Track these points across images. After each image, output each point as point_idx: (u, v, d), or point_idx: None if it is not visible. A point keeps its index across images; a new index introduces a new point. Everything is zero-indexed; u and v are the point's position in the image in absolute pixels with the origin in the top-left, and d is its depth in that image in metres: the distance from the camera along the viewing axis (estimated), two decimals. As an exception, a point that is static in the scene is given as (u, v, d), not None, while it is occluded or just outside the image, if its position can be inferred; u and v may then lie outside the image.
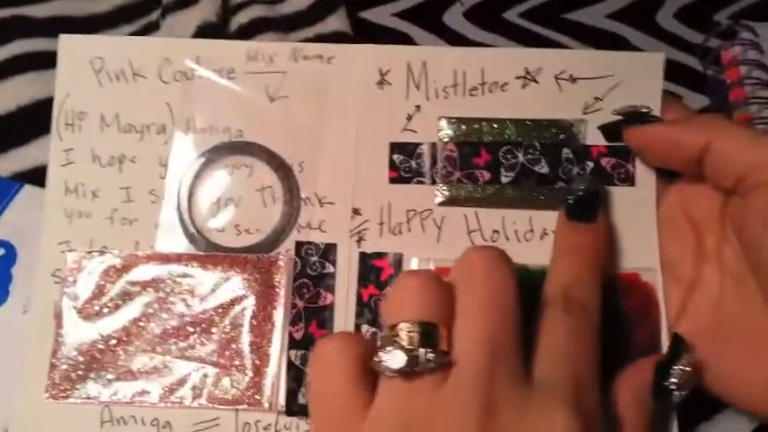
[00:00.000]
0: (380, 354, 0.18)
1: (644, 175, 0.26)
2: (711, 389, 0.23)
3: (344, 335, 0.20)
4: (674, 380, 0.21)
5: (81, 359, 0.25)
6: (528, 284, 0.25)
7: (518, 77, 0.26)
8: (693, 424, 0.25)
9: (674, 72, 0.26)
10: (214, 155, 0.26)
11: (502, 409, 0.17)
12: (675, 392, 0.21)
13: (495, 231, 0.26)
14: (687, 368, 0.21)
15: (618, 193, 0.26)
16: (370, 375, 0.19)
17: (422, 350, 0.18)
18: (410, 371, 0.18)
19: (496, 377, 0.18)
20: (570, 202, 0.24)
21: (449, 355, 0.18)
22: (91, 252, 0.26)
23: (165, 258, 0.26)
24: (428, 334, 0.18)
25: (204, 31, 0.31)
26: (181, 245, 0.26)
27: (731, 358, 0.22)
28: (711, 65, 0.34)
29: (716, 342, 0.23)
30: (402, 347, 0.18)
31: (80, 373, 0.25)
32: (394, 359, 0.18)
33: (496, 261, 0.19)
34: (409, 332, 0.18)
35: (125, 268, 0.25)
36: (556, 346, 0.19)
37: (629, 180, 0.26)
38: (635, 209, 0.25)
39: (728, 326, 0.23)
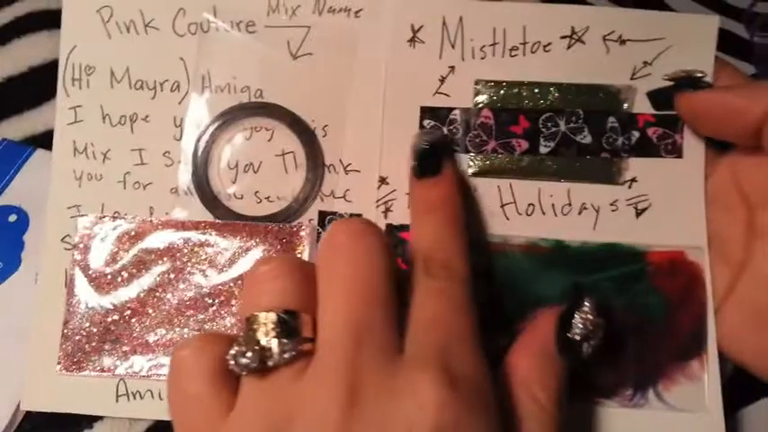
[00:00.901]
0: (230, 352, 0.17)
1: (693, 146, 0.24)
2: (759, 373, 0.22)
3: (202, 336, 0.18)
4: (577, 330, 0.20)
5: (94, 330, 0.24)
6: (563, 261, 0.24)
7: (563, 37, 0.24)
8: (739, 406, 0.25)
9: (717, 38, 0.24)
10: (232, 116, 0.25)
11: (366, 390, 0.16)
12: (584, 344, 0.20)
13: (530, 205, 0.24)
14: (590, 316, 0.20)
15: (664, 166, 0.24)
16: (235, 376, 0.17)
17: (275, 341, 0.16)
18: (262, 367, 0.16)
19: (361, 357, 0.16)
20: (414, 159, 0.22)
21: (311, 342, 0.17)
22: (103, 217, 0.24)
23: (182, 226, 0.24)
24: (284, 323, 0.17)
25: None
26: (198, 212, 0.24)
27: None
28: (758, 31, 0.32)
29: (765, 325, 0.22)
30: (253, 341, 0.16)
31: (94, 344, 0.24)
32: (243, 356, 0.16)
33: (359, 232, 0.18)
34: (264, 323, 0.17)
35: (139, 235, 0.24)
36: (422, 313, 0.18)
37: (677, 152, 0.24)
38: (682, 183, 0.24)
39: None
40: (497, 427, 0.17)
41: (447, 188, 0.21)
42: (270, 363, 0.16)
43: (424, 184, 0.22)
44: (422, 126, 0.24)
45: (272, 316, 0.17)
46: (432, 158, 0.22)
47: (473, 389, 0.17)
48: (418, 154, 0.22)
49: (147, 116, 0.25)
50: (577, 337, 0.20)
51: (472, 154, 0.24)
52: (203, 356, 0.17)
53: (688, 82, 0.24)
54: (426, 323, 0.18)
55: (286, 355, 0.16)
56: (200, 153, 0.25)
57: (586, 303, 0.20)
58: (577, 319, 0.20)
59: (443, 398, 0.16)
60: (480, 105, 0.24)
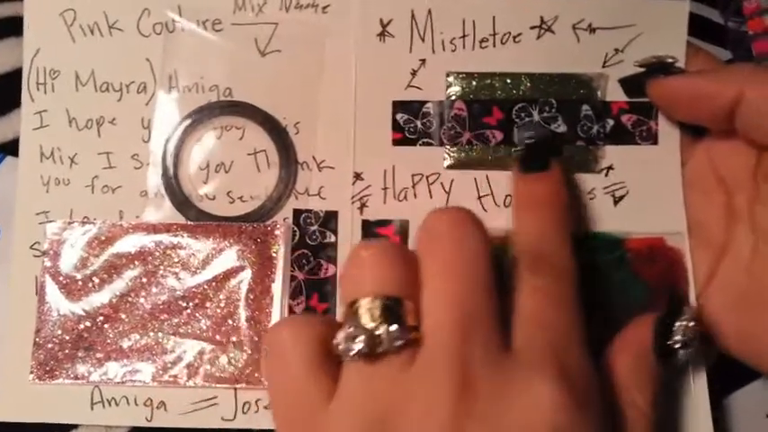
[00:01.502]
0: (339, 335, 0.16)
1: (668, 132, 0.24)
2: (743, 357, 0.22)
3: (299, 318, 0.18)
4: (677, 337, 0.20)
5: (67, 337, 0.23)
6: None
7: (533, 27, 0.24)
8: (725, 393, 0.24)
9: (691, 24, 0.24)
10: (201, 116, 0.24)
11: (478, 385, 0.16)
12: (681, 351, 0.20)
13: (507, 196, 0.24)
14: (691, 323, 0.20)
15: (640, 153, 0.24)
16: (334, 360, 0.17)
17: (383, 328, 0.16)
18: (372, 352, 0.16)
19: (470, 349, 0.16)
20: (521, 152, 0.22)
21: (417, 330, 0.16)
22: (72, 222, 0.24)
23: (153, 229, 0.24)
24: (390, 309, 0.16)
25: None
26: (169, 214, 0.24)
27: (766, 325, 0.21)
28: (733, 15, 0.31)
29: (748, 308, 0.22)
30: (362, 326, 0.16)
31: (67, 352, 0.23)
32: (353, 340, 0.16)
33: (461, 221, 0.18)
34: (369, 309, 0.16)
35: (109, 240, 0.24)
36: (528, 310, 0.18)
37: (652, 138, 0.24)
38: (659, 169, 0.24)
39: (762, 290, 0.21)
40: (607, 427, 0.17)
41: (554, 184, 0.21)
42: (379, 349, 0.16)
43: (529, 179, 0.21)
44: (395, 120, 0.24)
45: (378, 302, 0.16)
46: (539, 154, 0.22)
47: (585, 389, 0.17)
48: (527, 147, 0.22)
49: (113, 119, 0.24)
50: (677, 345, 0.20)
51: (447, 146, 0.24)
52: (303, 337, 0.17)
53: (659, 68, 0.23)
54: (534, 321, 0.17)
55: (396, 343, 0.16)
56: (169, 154, 0.24)
57: (686, 311, 0.20)
58: (678, 327, 0.20)
59: (559, 398, 0.15)
60: (453, 97, 0.24)
